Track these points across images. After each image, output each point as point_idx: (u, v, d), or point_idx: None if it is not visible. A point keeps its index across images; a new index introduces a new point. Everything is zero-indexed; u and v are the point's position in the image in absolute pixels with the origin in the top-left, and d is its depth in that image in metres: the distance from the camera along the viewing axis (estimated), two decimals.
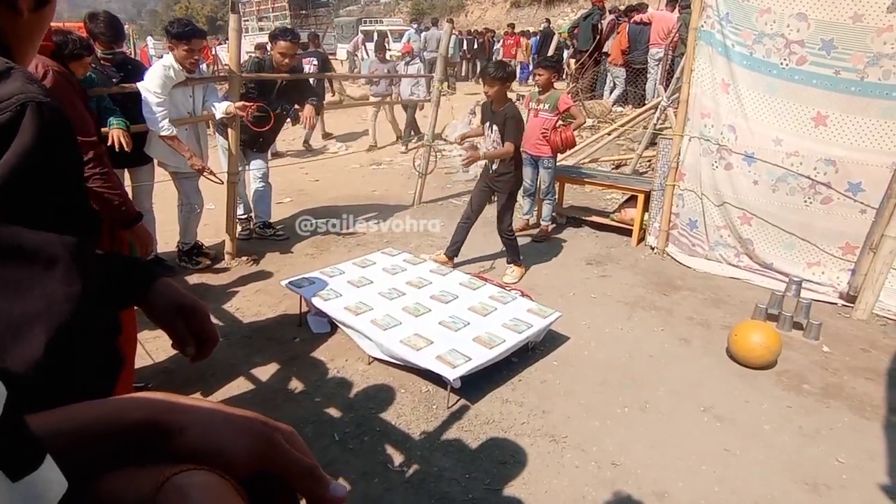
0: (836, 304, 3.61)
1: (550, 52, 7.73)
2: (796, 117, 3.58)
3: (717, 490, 2.08)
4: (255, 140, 4.25)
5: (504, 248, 3.97)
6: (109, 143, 3.17)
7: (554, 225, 4.92)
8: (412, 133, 8.30)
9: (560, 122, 4.42)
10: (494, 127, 3.60)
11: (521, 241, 4.73)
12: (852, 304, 3.50)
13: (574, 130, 4.46)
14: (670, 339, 3.18)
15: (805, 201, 3.66)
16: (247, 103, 3.61)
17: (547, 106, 4.36)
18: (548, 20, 13.64)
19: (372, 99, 8.38)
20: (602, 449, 2.29)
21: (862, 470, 2.21)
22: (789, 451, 2.31)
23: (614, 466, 2.19)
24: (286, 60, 4.03)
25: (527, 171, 4.68)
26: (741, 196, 3.90)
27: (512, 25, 14.52)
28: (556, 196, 4.99)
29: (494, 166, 3.72)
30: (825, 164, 3.53)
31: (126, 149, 3.19)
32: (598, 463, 2.21)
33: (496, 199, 3.86)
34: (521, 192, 5.00)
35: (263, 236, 4.56)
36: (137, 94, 3.37)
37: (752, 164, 3.81)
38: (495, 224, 3.88)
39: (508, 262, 3.96)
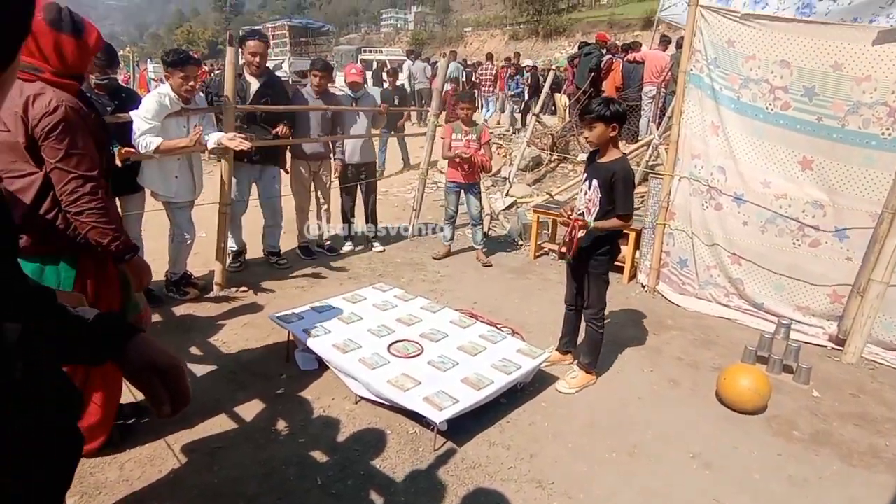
0: (825, 346, 3.62)
1: (547, 86, 7.90)
2: (783, 160, 3.65)
3: None
4: (268, 158, 4.35)
5: (584, 341, 3.08)
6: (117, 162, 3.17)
7: (486, 250, 5.09)
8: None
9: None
10: (594, 182, 2.79)
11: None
12: (841, 348, 3.50)
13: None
14: (659, 380, 3.16)
15: (794, 243, 3.70)
16: (238, 135, 3.62)
17: (474, 136, 4.73)
18: (489, 55, 14.84)
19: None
20: (589, 495, 2.25)
21: None
22: (778, 500, 2.28)
23: None
24: (257, 59, 4.15)
25: (451, 199, 4.90)
26: (731, 236, 3.93)
27: (516, 56, 14.91)
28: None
29: (581, 233, 2.83)
30: (813, 206, 3.58)
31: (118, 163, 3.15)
32: None
33: (587, 278, 2.99)
34: (443, 218, 5.10)
35: (268, 261, 4.71)
36: (131, 124, 3.39)
37: (741, 205, 3.85)
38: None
39: (578, 364, 3.09)
